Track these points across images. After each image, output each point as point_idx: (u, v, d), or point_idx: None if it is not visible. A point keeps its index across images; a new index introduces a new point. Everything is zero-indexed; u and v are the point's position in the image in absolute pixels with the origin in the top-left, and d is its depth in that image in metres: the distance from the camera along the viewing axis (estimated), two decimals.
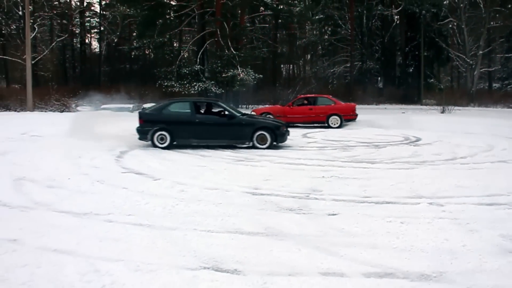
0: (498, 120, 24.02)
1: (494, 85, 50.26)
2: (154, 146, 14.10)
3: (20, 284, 4.52)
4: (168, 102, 15.19)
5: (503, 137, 15.97)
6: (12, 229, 6.08)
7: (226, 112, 14.73)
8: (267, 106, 30.20)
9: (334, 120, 21.85)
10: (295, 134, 17.89)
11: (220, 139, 14.41)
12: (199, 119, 14.31)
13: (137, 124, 14.49)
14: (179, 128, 14.26)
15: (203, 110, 15.00)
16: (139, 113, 15.10)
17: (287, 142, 15.31)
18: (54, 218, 6.62)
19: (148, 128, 14.24)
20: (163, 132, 14.15)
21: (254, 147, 14.15)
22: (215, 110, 15.42)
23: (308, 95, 25.06)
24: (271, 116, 20.36)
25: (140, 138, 14.51)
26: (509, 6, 43.59)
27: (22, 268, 4.87)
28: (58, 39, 45.57)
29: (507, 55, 43.74)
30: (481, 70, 44.55)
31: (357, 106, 24.10)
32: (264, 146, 14.14)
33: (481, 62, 43.36)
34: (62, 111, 29.68)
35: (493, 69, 49.07)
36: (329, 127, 21.66)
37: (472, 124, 20.31)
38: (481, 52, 42.07)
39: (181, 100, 15.93)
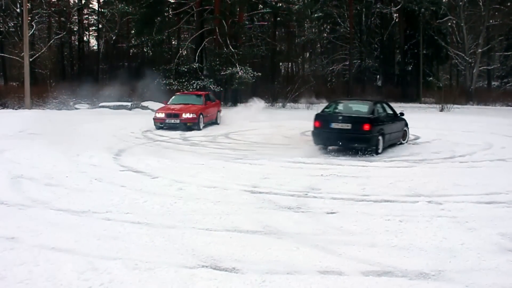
0: (497, 119, 24.06)
1: (493, 83, 50.30)
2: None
3: (18, 282, 4.52)
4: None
5: (502, 135, 16.00)
6: (10, 227, 6.08)
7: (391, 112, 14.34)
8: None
9: None
10: (293, 132, 17.89)
11: None
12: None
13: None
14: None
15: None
16: (317, 115, 13.42)
17: (286, 140, 15.34)
18: (52, 216, 6.62)
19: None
20: None
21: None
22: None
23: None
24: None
25: (317, 143, 13.28)
26: (508, 4, 43.57)
27: (20, 266, 4.87)
28: (56, 37, 45.40)
29: (506, 53, 43.77)
30: (480, 68, 44.53)
31: None
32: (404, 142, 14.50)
33: (480, 60, 43.32)
34: (60, 109, 29.64)
35: (492, 67, 49.10)
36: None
37: (471, 123, 20.34)
38: (480, 50, 42.05)
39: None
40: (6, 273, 4.70)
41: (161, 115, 18.59)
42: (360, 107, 13.67)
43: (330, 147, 13.30)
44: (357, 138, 12.44)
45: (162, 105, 20.77)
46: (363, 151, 12.66)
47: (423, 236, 5.85)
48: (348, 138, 12.54)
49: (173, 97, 21.06)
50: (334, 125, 12.69)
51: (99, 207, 7.07)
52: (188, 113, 18.48)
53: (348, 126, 12.51)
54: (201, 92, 23.17)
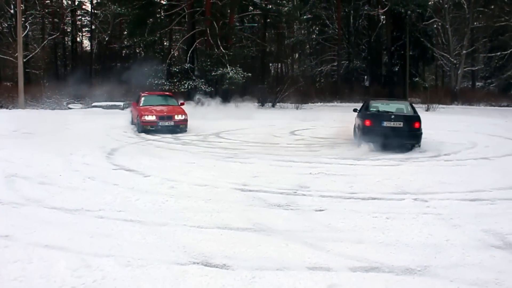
0: (481, 118, 24.22)
1: (477, 83, 50.57)
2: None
3: (12, 279, 4.49)
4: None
5: (486, 134, 16.11)
6: (4, 225, 6.04)
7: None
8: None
9: None
10: (283, 132, 17.93)
11: None
12: None
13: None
14: None
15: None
16: (367, 114, 13.88)
17: (276, 139, 15.37)
18: (46, 214, 6.59)
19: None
20: None
21: None
22: None
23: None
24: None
25: (367, 140, 13.34)
26: (492, 7, 43.85)
27: (14, 263, 4.84)
28: (49, 38, 45.21)
29: (489, 54, 44.04)
30: (465, 69, 44.81)
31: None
32: None
33: (465, 61, 43.60)
34: (53, 109, 29.51)
35: (476, 68, 49.37)
36: None
37: (456, 122, 20.46)
38: (464, 51, 42.29)
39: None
40: (0, 271, 4.67)
41: (151, 117, 16.89)
42: (402, 107, 14.56)
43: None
44: (409, 135, 13.30)
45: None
46: (410, 147, 13.34)
47: (409, 233, 5.87)
48: (400, 136, 13.19)
49: (143, 98, 18.82)
50: (386, 124, 13.28)
51: (92, 205, 7.04)
52: (180, 115, 17.38)
53: (400, 124, 13.22)
54: (168, 93, 22.51)
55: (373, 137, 13.30)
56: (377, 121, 13.47)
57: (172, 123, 17.03)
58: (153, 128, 16.89)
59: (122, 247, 5.33)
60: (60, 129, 16.72)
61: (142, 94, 19.54)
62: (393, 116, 13.50)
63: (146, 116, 16.92)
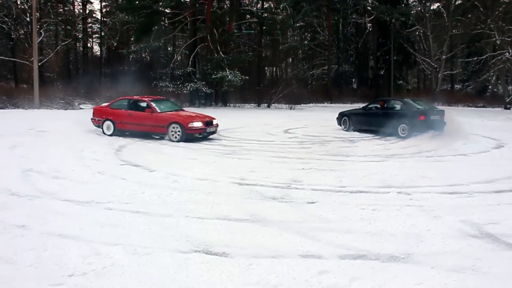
0: (459, 118, 24.15)
1: (456, 86, 50.60)
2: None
3: (27, 265, 4.48)
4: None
5: (464, 133, 16.06)
6: (21, 216, 6.02)
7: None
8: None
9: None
10: (277, 130, 17.92)
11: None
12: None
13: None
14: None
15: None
16: (422, 110, 15.98)
17: (271, 137, 15.36)
18: (59, 206, 6.57)
19: None
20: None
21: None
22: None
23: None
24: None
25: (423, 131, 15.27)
26: (469, 16, 43.91)
27: (30, 251, 4.83)
28: (62, 43, 45.03)
29: (467, 59, 43.95)
30: (444, 73, 44.77)
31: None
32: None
33: (444, 65, 43.56)
34: (66, 109, 29.42)
35: (455, 72, 49.38)
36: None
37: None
38: (444, 56, 42.28)
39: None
40: (17, 258, 4.67)
41: (199, 124, 14.32)
42: (426, 103, 17.67)
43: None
44: (442, 124, 15.85)
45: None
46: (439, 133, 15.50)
47: (393, 223, 5.88)
48: (439, 125, 15.73)
49: (153, 102, 15.15)
50: (432, 117, 15.79)
51: (101, 197, 7.02)
52: (214, 119, 15.33)
53: (437, 117, 15.92)
54: (161, 97, 18.55)
55: (427, 127, 15.35)
56: (428, 116, 15.76)
57: (213, 128, 15.04)
58: (201, 135, 14.55)
59: (130, 236, 5.32)
60: (72, 128, 16.65)
61: (153, 98, 15.99)
62: (435, 111, 16.25)
63: (194, 123, 14.26)
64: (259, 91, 40.22)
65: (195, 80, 35.38)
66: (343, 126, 18.58)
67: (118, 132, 15.28)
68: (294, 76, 51.83)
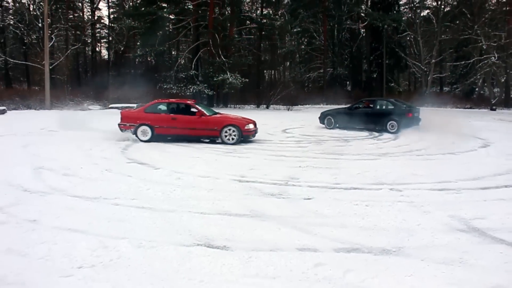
0: (448, 118, 24.16)
1: (444, 88, 50.56)
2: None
3: (39, 258, 4.48)
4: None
5: (452, 132, 16.08)
6: (32, 211, 6.02)
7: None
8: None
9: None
10: (275, 130, 17.90)
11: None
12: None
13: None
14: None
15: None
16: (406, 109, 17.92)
17: (269, 136, 15.33)
18: (69, 202, 6.56)
19: None
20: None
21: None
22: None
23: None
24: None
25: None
26: (457, 22, 43.91)
27: (41, 244, 4.82)
28: (72, 48, 45.00)
29: (455, 63, 43.92)
30: (434, 76, 44.81)
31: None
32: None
33: (434, 69, 43.58)
34: (75, 110, 29.42)
35: (444, 75, 49.47)
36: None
37: (426, 122, 20.38)
38: (433, 60, 42.32)
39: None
40: (29, 251, 4.66)
41: (252, 126, 14.03)
42: (404, 102, 20.16)
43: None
44: (419, 120, 18.07)
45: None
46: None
47: (385, 218, 5.87)
48: (418, 121, 17.96)
49: (201, 105, 14.82)
50: (416, 114, 17.98)
51: (109, 194, 7.02)
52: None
53: (417, 114, 18.08)
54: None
55: (411, 123, 17.35)
56: (414, 113, 17.76)
57: (256, 129, 14.63)
58: (253, 137, 14.41)
59: (135, 231, 5.31)
60: (81, 128, 16.63)
61: (196, 101, 15.76)
62: (417, 108, 18.46)
63: (249, 125, 13.96)
64: (258, 92, 40.25)
65: (198, 83, 35.41)
66: (326, 125, 19.08)
67: (157, 137, 13.90)
68: (292, 79, 51.77)
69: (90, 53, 56.72)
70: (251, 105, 39.24)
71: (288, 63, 60.13)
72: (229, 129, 13.69)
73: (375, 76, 47.11)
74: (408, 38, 46.56)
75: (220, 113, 15.35)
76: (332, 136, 16.00)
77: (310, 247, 4.85)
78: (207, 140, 14.06)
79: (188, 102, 14.90)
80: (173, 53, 50.84)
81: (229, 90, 35.58)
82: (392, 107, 18.13)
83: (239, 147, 12.85)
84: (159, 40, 36.01)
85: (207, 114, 14.07)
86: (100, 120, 19.89)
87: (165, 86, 34.95)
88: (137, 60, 49.99)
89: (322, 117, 19.75)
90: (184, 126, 13.85)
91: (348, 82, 51.40)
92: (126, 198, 6.83)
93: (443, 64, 49.26)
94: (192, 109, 14.19)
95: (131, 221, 5.71)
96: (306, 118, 24.92)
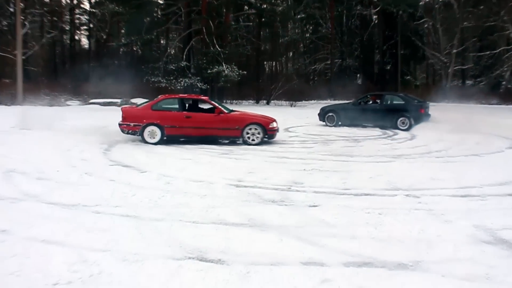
0: (471, 116, 24.17)
1: (467, 82, 50.57)
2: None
3: (9, 273, 4.44)
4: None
5: (476, 132, 16.09)
6: (2, 220, 5.98)
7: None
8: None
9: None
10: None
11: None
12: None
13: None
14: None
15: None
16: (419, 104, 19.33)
17: None
18: (43, 210, 6.54)
19: None
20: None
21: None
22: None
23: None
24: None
25: None
26: (481, 7, 43.88)
27: (12, 258, 4.79)
28: (48, 36, 45.08)
29: (479, 53, 44.03)
30: (455, 68, 44.82)
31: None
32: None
33: (455, 60, 43.63)
34: (51, 105, 29.40)
35: (466, 67, 49.37)
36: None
37: (447, 119, 20.40)
38: (455, 50, 42.35)
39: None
40: None
41: (275, 124, 14.07)
42: (414, 97, 21.16)
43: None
44: (429, 116, 19.37)
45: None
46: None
47: (401, 228, 5.85)
48: (428, 117, 19.19)
49: (216, 101, 15.09)
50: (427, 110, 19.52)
51: (89, 200, 6.99)
52: None
53: (428, 109, 19.58)
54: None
55: (422, 119, 18.38)
56: (426, 109, 19.13)
57: (278, 128, 14.61)
58: (275, 136, 14.39)
59: (119, 242, 5.29)
60: (58, 126, 16.60)
61: (206, 98, 15.12)
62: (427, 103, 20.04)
63: (273, 123, 13.97)
64: (257, 87, 40.31)
65: (190, 75, 35.39)
66: (327, 122, 19.24)
67: (167, 138, 13.59)
68: (295, 71, 51.83)
69: (69, 41, 56.63)
70: (250, 101, 39.28)
71: (291, 54, 60.19)
72: (252, 128, 13.65)
73: (388, 68, 47.16)
74: (426, 26, 46.61)
75: (237, 110, 15.32)
76: (340, 136, 16.01)
77: (316, 261, 4.83)
78: (226, 141, 13.97)
79: (203, 97, 14.80)
80: (162, 42, 50.82)
81: (224, 83, 35.56)
82: (403, 102, 18.80)
83: (236, 148, 12.85)
84: (146, 28, 36.00)
85: (226, 111, 13.95)
86: (80, 117, 19.87)
87: (152, 79, 34.90)
88: (121, 50, 50.07)
89: (323, 114, 19.96)
90: (200, 126, 13.58)
91: (358, 75, 51.47)
92: (108, 205, 6.80)
93: (465, 54, 49.24)
94: (208, 106, 14.09)
95: (114, 231, 5.69)
96: (311, 115, 24.88)
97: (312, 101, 39.85)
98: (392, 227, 5.92)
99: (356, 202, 7.13)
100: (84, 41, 60.39)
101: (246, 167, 9.97)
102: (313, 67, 52.15)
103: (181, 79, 34.97)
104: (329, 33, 48.82)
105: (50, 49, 49.81)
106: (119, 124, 13.97)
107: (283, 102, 36.87)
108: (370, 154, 12.03)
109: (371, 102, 19.61)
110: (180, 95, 15.69)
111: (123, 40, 42.00)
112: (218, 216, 6.30)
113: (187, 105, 14.32)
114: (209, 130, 13.63)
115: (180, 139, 13.92)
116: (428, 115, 19.12)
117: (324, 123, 19.74)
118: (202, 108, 14.34)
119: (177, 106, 13.96)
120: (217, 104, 14.06)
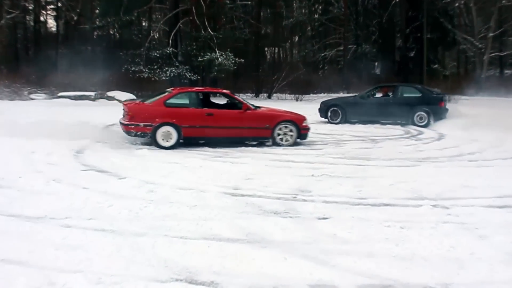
0: (510, 111, 24.20)
1: (505, 71, 50.67)
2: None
3: None
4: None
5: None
6: None
7: None
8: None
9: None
10: None
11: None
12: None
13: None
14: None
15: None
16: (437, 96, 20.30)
17: None
18: (2, 223, 6.54)
19: None
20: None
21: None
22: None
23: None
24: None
25: None
26: None
27: None
28: (8, 16, 45.02)
29: None
30: (491, 55, 44.89)
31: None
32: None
33: (492, 45, 43.69)
34: (12, 99, 29.39)
35: (505, 53, 49.38)
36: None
37: (481, 115, 20.44)
38: (491, 34, 42.41)
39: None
40: None
41: (307, 122, 14.30)
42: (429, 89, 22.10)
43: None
44: (446, 111, 20.12)
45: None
46: None
47: (427, 245, 5.87)
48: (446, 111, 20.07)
49: (239, 96, 15.38)
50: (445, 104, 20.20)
51: (57, 212, 7.00)
52: None
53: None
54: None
55: (442, 115, 19.15)
56: (445, 102, 20.06)
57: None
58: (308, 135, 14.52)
59: (93, 261, 5.29)
60: (20, 123, 16.60)
61: (228, 92, 14.99)
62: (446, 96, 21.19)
63: (306, 121, 14.21)
64: (257, 77, 40.34)
65: (177, 64, 35.37)
66: (330, 118, 19.44)
67: (184, 141, 13.30)
68: (301, 59, 52.03)
69: (33, 24, 56.64)
70: (248, 94, 39.30)
71: (296, 38, 60.33)
72: (284, 127, 13.68)
73: (412, 55, 47.07)
74: (457, 5, 46.64)
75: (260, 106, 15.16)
76: (355, 135, 16.05)
77: (326, 283, 4.84)
78: (254, 143, 13.93)
79: (224, 91, 14.68)
80: (143, 24, 50.86)
81: (218, 73, 35.57)
82: (420, 94, 19.23)
83: (231, 150, 12.85)
84: (124, 7, 36.02)
85: (252, 107, 13.89)
86: (47, 113, 19.86)
87: (133, 69, 34.80)
88: (95, 33, 50.03)
89: (324, 108, 20.10)
90: (224, 125, 13.41)
91: (376, 63, 51.51)
92: (80, 217, 6.81)
93: (503, 39, 49.35)
94: (233, 101, 14.07)
95: (88, 248, 5.69)
96: None
97: (322, 94, 39.85)
98: (416, 243, 5.93)
99: (374, 213, 7.15)
100: (51, 23, 60.43)
101: (243, 172, 9.99)
102: (322, 54, 52.22)
103: (166, 68, 34.90)
104: (342, 13, 48.94)
105: (10, 33, 49.79)
106: (124, 125, 13.40)
107: (287, 96, 36.93)
108: (390, 157, 12.06)
109: (382, 94, 19.71)
110: (197, 88, 15.59)
111: (97, 22, 41.99)
112: (210, 231, 6.32)
113: (206, 100, 14.17)
114: (235, 130, 13.48)
115: (200, 141, 13.69)
116: (446, 110, 19.69)
117: (326, 119, 19.79)
118: (223, 104, 14.24)
119: (195, 101, 13.73)
120: (241, 99, 14.01)
